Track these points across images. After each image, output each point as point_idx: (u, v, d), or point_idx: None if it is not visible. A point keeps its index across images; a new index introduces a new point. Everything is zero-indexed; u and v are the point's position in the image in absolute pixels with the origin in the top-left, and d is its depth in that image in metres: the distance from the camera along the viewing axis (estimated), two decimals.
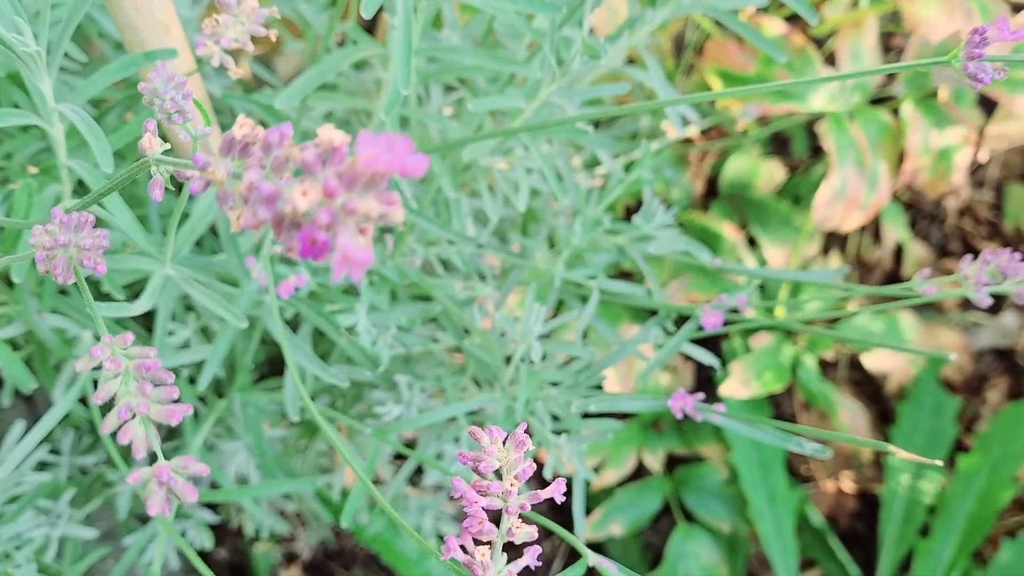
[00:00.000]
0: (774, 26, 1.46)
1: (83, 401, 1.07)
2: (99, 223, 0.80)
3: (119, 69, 0.81)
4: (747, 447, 1.55)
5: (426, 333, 1.14)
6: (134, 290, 0.91)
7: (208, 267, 0.92)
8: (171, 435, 1.21)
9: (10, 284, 0.94)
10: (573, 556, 1.64)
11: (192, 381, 1.10)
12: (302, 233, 0.36)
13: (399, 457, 1.46)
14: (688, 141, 1.66)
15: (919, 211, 1.85)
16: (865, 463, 1.70)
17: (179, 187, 0.83)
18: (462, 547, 0.56)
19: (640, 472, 1.61)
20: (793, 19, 1.60)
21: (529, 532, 0.57)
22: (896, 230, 1.73)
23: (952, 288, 0.88)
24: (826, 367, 1.73)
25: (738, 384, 1.50)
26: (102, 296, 0.92)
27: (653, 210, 1.10)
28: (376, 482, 1.39)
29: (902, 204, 1.79)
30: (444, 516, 1.37)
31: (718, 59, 1.48)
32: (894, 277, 1.79)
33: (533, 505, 0.58)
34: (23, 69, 0.74)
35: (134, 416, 0.52)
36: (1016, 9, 1.50)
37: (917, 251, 1.77)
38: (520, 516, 0.57)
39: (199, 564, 0.77)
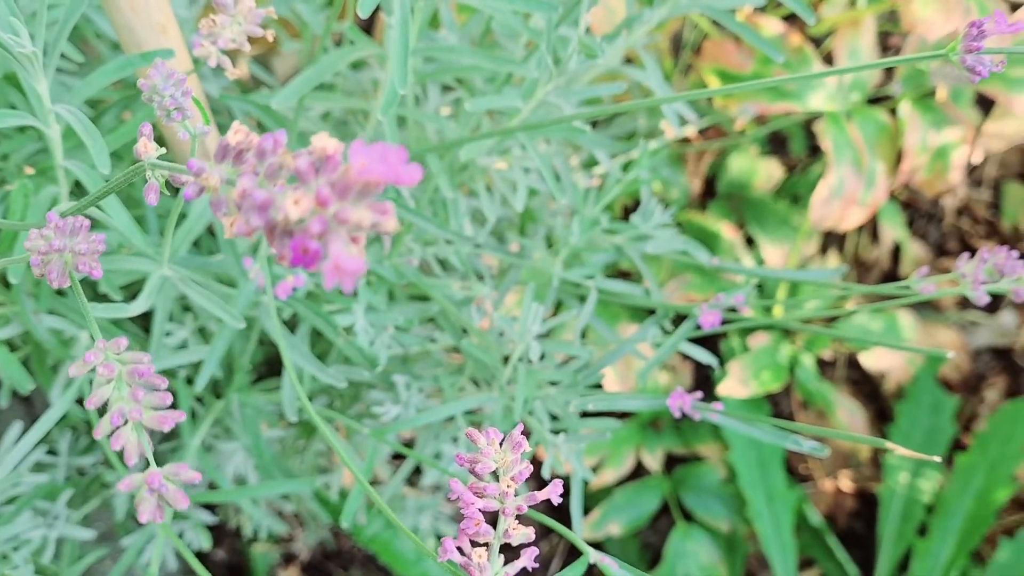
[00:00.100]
0: (772, 26, 1.46)
1: (80, 402, 1.07)
2: (96, 224, 0.80)
3: (116, 70, 0.81)
4: (745, 446, 1.55)
5: (424, 333, 1.14)
6: (131, 291, 0.91)
7: (205, 267, 0.92)
8: (169, 436, 1.21)
9: (7, 285, 0.94)
10: (571, 556, 1.64)
11: (190, 382, 1.10)
12: (294, 241, 0.36)
13: (397, 457, 1.46)
14: (686, 141, 1.66)
15: (917, 210, 1.86)
16: (863, 462, 1.70)
17: (176, 189, 0.83)
18: (459, 549, 0.56)
19: (639, 471, 1.61)
20: (791, 18, 1.60)
21: (526, 533, 0.56)
22: (894, 229, 1.73)
23: (950, 287, 0.88)
24: (824, 366, 1.73)
25: (736, 383, 1.50)
26: (99, 297, 0.92)
27: (651, 210, 1.10)
28: (374, 482, 1.39)
29: (900, 203, 1.79)
30: (442, 516, 1.37)
31: (716, 58, 1.48)
32: (892, 276, 1.79)
33: (531, 506, 0.58)
34: (19, 70, 0.74)
35: (126, 422, 0.52)
36: (1014, 8, 1.50)
37: (915, 250, 1.78)
38: (518, 516, 0.57)
39: (196, 565, 0.77)
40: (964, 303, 1.80)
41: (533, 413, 1.00)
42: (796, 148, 1.76)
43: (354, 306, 0.98)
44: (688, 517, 1.60)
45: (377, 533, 1.41)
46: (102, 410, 0.53)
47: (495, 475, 0.57)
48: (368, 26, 1.50)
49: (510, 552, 0.57)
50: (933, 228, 1.85)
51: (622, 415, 1.59)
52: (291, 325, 1.08)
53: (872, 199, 1.46)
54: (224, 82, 1.11)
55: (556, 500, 0.57)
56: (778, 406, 1.71)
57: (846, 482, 1.69)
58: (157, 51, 0.82)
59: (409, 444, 1.38)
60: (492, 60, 0.96)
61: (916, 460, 1.56)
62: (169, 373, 1.10)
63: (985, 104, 1.59)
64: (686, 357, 1.61)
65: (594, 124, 1.45)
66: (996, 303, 1.80)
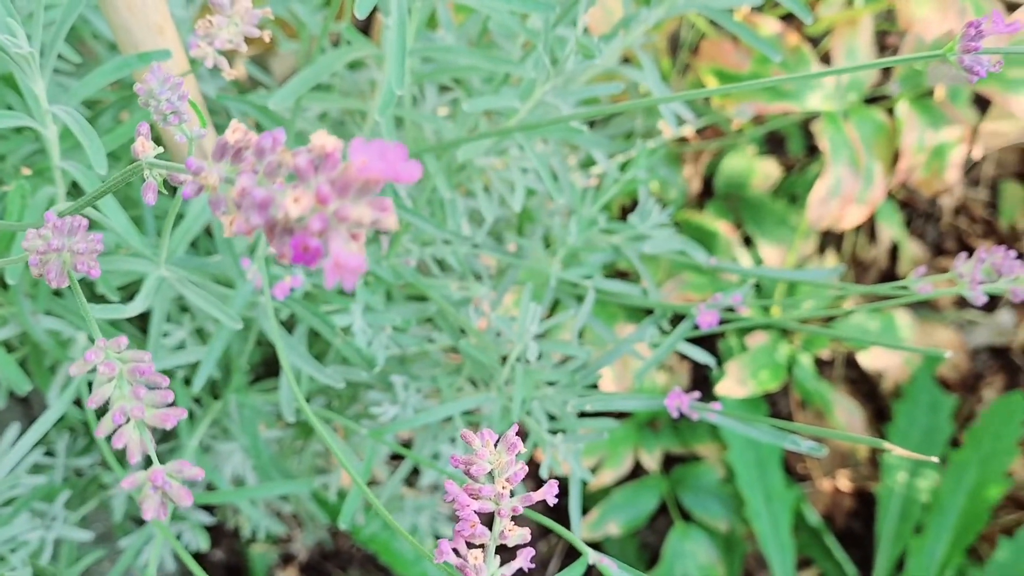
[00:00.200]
0: (769, 25, 1.46)
1: (78, 403, 1.07)
2: (93, 225, 0.79)
3: (113, 70, 0.81)
4: (743, 446, 1.55)
5: (422, 333, 1.14)
6: (129, 291, 0.91)
7: (203, 268, 0.92)
8: (167, 437, 1.20)
9: (4, 286, 0.94)
10: (570, 556, 1.64)
11: (187, 382, 1.10)
12: (294, 239, 0.36)
13: (395, 457, 1.46)
14: (684, 140, 1.66)
15: (914, 210, 1.86)
16: (861, 461, 1.70)
17: (173, 189, 0.83)
18: (455, 550, 0.56)
19: (637, 471, 1.61)
20: (788, 18, 1.60)
21: (522, 534, 0.56)
22: (891, 229, 1.73)
23: (947, 286, 0.88)
24: (822, 366, 1.73)
25: (734, 383, 1.50)
26: (97, 298, 0.92)
27: (648, 209, 1.10)
28: (372, 482, 1.39)
29: (897, 203, 1.79)
30: (440, 516, 1.37)
31: (713, 58, 1.48)
32: (890, 276, 1.79)
33: (529, 506, 0.58)
34: (16, 71, 0.74)
35: (128, 420, 0.52)
36: (1011, 8, 1.50)
37: (912, 249, 1.78)
38: (515, 517, 0.57)
39: (193, 566, 0.77)
40: (962, 302, 1.80)
41: (531, 413, 1.00)
42: (794, 148, 1.76)
43: (352, 306, 0.98)
44: (686, 517, 1.60)
45: (375, 533, 1.41)
46: (102, 410, 0.53)
47: (491, 476, 0.57)
48: (365, 27, 1.50)
49: (507, 553, 0.57)
50: (931, 227, 1.86)
51: (620, 415, 1.59)
52: (289, 326, 1.08)
53: (869, 198, 1.46)
54: (221, 82, 1.11)
55: (552, 501, 0.57)
56: (776, 406, 1.71)
57: (844, 481, 1.69)
58: (154, 52, 0.82)
59: (407, 444, 1.38)
60: (490, 60, 0.96)
61: (914, 459, 1.56)
62: (167, 374, 1.10)
63: (982, 104, 1.59)
64: (684, 357, 1.61)
65: (591, 124, 1.45)
66: (994, 302, 1.80)
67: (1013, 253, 0.83)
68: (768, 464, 1.55)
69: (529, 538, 0.57)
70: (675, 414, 0.88)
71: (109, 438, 0.84)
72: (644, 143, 1.13)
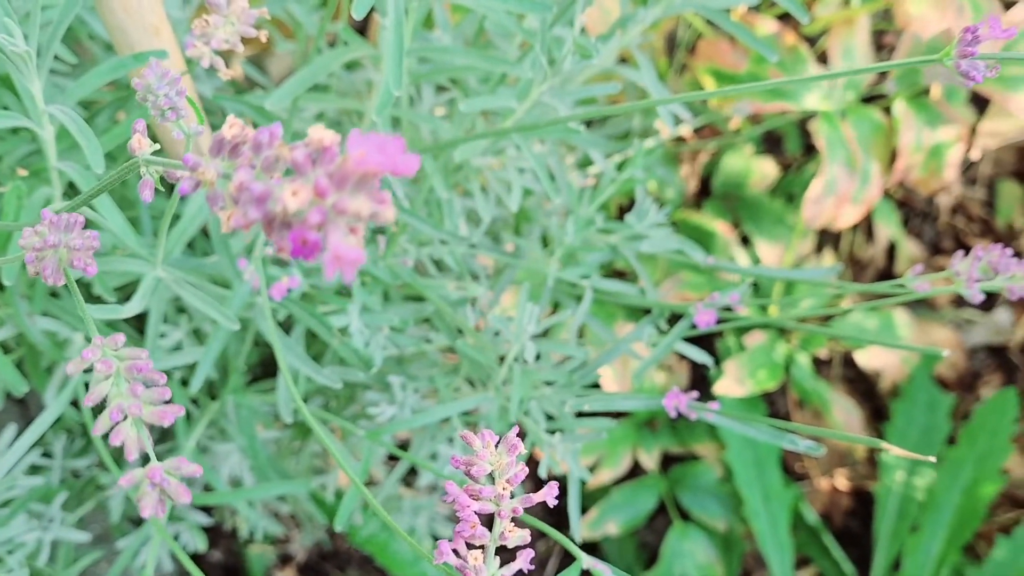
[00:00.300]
0: (766, 25, 1.46)
1: (75, 404, 1.07)
2: (90, 226, 0.79)
3: (109, 71, 0.81)
4: (742, 445, 1.55)
5: (419, 334, 1.14)
6: (125, 292, 0.91)
7: (200, 269, 0.92)
8: (164, 437, 1.20)
9: (1, 287, 0.94)
10: (568, 556, 1.64)
11: (184, 383, 1.10)
12: (293, 233, 0.36)
13: (393, 458, 1.46)
14: (681, 140, 1.66)
15: (912, 209, 1.86)
16: (859, 461, 1.70)
17: (170, 188, 0.83)
18: (455, 551, 0.56)
19: (635, 471, 1.61)
20: (785, 18, 1.60)
21: (522, 536, 0.56)
22: (889, 228, 1.73)
23: (944, 284, 0.88)
24: (820, 365, 1.73)
25: (732, 382, 1.50)
26: (93, 299, 0.92)
27: (646, 209, 1.10)
28: (370, 483, 1.39)
29: (895, 202, 1.79)
30: (438, 517, 1.37)
31: (710, 58, 1.48)
32: (887, 275, 1.79)
33: (527, 507, 0.58)
34: (13, 71, 0.74)
35: (126, 418, 0.52)
36: (1008, 6, 1.50)
37: (910, 249, 1.78)
38: (513, 519, 0.57)
39: (191, 567, 0.77)
40: (959, 301, 1.80)
41: (529, 413, 1.00)
42: (791, 147, 1.76)
43: (349, 307, 0.98)
44: (685, 516, 1.60)
45: (374, 534, 1.41)
46: (99, 410, 0.53)
47: (491, 477, 0.57)
48: (362, 27, 1.50)
49: (506, 554, 0.57)
50: (928, 226, 1.86)
51: (618, 415, 1.59)
52: (286, 326, 1.08)
53: (865, 197, 1.46)
54: (218, 83, 1.11)
55: (552, 502, 0.57)
56: (774, 405, 1.71)
57: (842, 481, 1.69)
58: (150, 52, 0.82)
59: (405, 445, 1.38)
60: (486, 60, 0.96)
61: (912, 458, 1.56)
62: (164, 374, 1.09)
63: (979, 102, 1.59)
64: (682, 357, 1.61)
65: (588, 124, 1.45)
66: (991, 301, 1.80)
67: (1010, 251, 0.83)
68: (766, 463, 1.55)
69: (529, 539, 0.57)
70: (673, 414, 0.88)
71: (106, 438, 0.84)
72: (641, 143, 1.13)
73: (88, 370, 0.54)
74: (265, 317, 0.89)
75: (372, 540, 1.41)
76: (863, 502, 1.69)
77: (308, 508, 1.36)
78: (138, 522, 1.22)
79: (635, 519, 1.57)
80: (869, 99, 1.55)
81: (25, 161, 0.94)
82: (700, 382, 1.64)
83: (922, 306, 1.78)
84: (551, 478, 0.59)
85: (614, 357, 1.00)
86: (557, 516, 1.55)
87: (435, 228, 0.98)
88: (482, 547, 0.56)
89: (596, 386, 1.05)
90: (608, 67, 1.10)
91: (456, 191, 1.15)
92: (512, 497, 0.57)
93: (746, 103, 1.47)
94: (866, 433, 1.64)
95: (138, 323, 1.06)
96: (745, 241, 1.64)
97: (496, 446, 0.57)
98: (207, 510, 1.20)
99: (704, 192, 1.73)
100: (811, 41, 1.60)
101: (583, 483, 1.36)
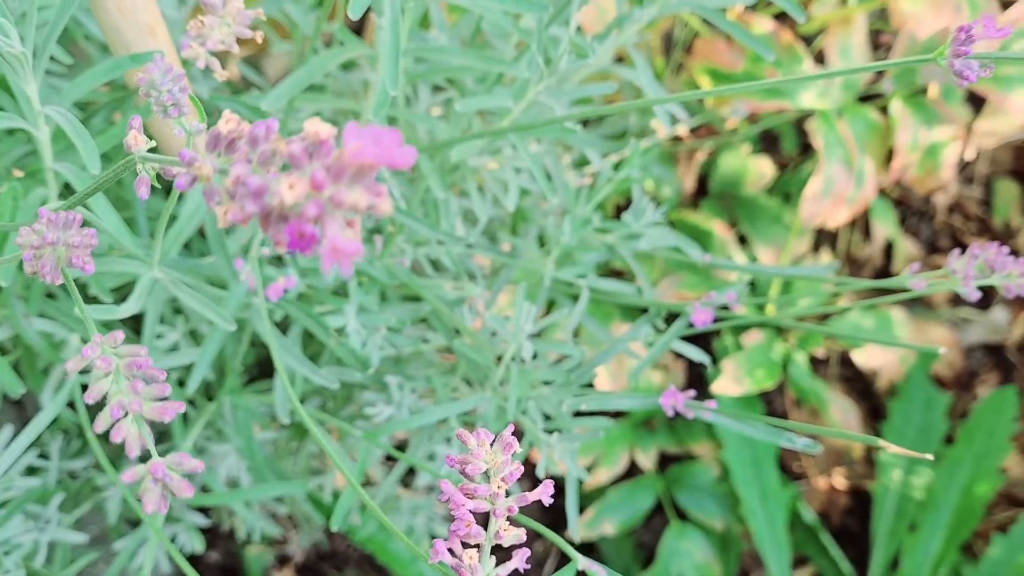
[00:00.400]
0: (762, 24, 1.46)
1: (71, 405, 1.07)
2: (86, 226, 0.79)
3: (104, 72, 0.81)
4: (739, 444, 1.55)
5: (416, 334, 1.14)
6: (122, 293, 0.91)
7: (196, 269, 0.91)
8: (161, 438, 1.20)
9: None
10: (566, 556, 1.64)
11: (181, 384, 1.10)
12: (290, 226, 0.36)
13: (391, 458, 1.46)
14: (678, 139, 1.66)
15: (909, 208, 1.86)
16: (857, 460, 1.70)
17: (167, 189, 0.83)
18: (450, 550, 0.56)
19: (632, 471, 1.61)
20: (781, 17, 1.60)
21: (517, 534, 0.56)
22: (886, 227, 1.73)
23: (941, 282, 0.88)
24: (817, 364, 1.73)
25: (730, 381, 1.50)
26: (89, 300, 0.92)
27: (642, 208, 1.10)
28: (368, 484, 1.39)
29: (892, 201, 1.80)
30: (437, 517, 1.37)
31: (707, 57, 1.48)
32: (884, 274, 1.79)
33: (524, 506, 0.58)
34: (8, 72, 0.74)
35: (126, 414, 0.52)
36: (1005, 6, 1.50)
37: (907, 247, 1.78)
38: (510, 518, 0.57)
39: (187, 568, 0.77)
40: (956, 300, 1.80)
41: (526, 413, 1.00)
42: (788, 146, 1.76)
43: (346, 307, 0.98)
44: (682, 516, 1.60)
45: (372, 534, 1.41)
46: (98, 407, 0.53)
47: (486, 476, 0.57)
48: (358, 27, 1.50)
49: (502, 553, 0.57)
50: (925, 225, 1.86)
51: (615, 414, 1.59)
52: (283, 327, 1.08)
53: (861, 196, 1.46)
54: (214, 83, 1.11)
55: (547, 501, 0.57)
56: (771, 404, 1.71)
57: (840, 480, 1.69)
58: (145, 53, 0.82)
59: (402, 445, 1.38)
60: (483, 60, 0.96)
61: (909, 457, 1.56)
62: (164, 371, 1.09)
63: (976, 102, 1.59)
64: (679, 356, 1.61)
65: (585, 123, 1.45)
66: (988, 300, 1.81)
67: (1006, 250, 0.83)
68: (764, 463, 1.55)
69: (525, 538, 0.57)
70: (670, 412, 0.88)
71: (105, 437, 0.84)
72: (638, 142, 1.13)
73: (85, 371, 0.54)
74: (261, 317, 0.89)
75: (371, 540, 1.41)
76: (861, 501, 1.69)
77: (306, 509, 1.35)
78: (135, 523, 1.22)
79: (632, 519, 1.57)
80: (866, 98, 1.55)
81: (21, 162, 0.93)
82: (697, 381, 1.64)
83: (919, 305, 1.78)
84: (548, 478, 0.59)
85: (611, 356, 1.00)
86: (554, 516, 1.55)
87: (432, 228, 0.98)
88: (477, 546, 0.56)
89: (593, 385, 1.05)
90: (604, 67, 1.10)
91: (453, 191, 1.15)
92: (508, 496, 0.57)
93: (743, 102, 1.47)
94: (863, 432, 1.64)
95: (134, 324, 1.06)
96: (742, 241, 1.64)
97: (491, 445, 0.57)
98: (204, 511, 1.20)
99: (701, 192, 1.73)
100: (808, 40, 1.61)
101: (580, 483, 1.36)
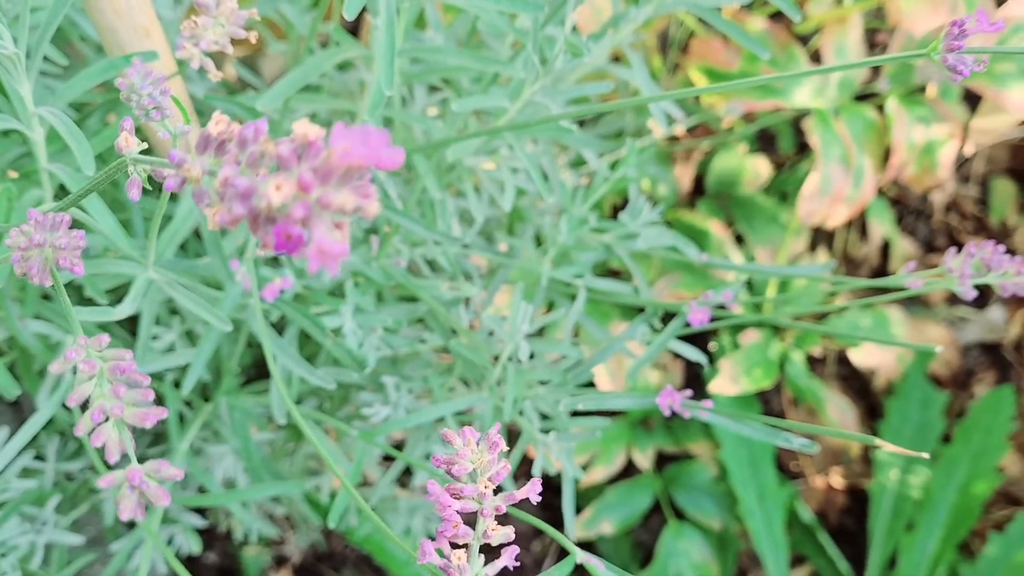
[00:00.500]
0: (758, 24, 1.46)
1: (67, 407, 1.07)
2: (81, 227, 0.79)
3: (99, 72, 0.81)
4: (736, 444, 1.55)
5: (413, 334, 1.14)
6: (117, 294, 0.91)
7: (192, 270, 0.91)
8: (157, 440, 1.20)
9: None
10: (564, 555, 1.64)
11: (177, 385, 1.10)
12: (277, 227, 0.36)
13: (389, 458, 1.46)
14: (674, 139, 1.66)
15: (905, 207, 1.86)
16: (854, 459, 1.70)
17: (161, 189, 0.83)
18: (439, 551, 0.56)
19: (630, 470, 1.61)
20: (777, 16, 1.60)
21: (506, 533, 0.56)
22: (882, 226, 1.73)
23: (937, 281, 0.88)
24: (814, 363, 1.73)
25: (727, 381, 1.50)
26: (85, 301, 0.92)
27: (639, 207, 1.10)
28: (365, 484, 1.39)
29: (888, 200, 1.80)
30: (435, 517, 1.37)
31: (703, 56, 1.48)
32: (881, 273, 1.80)
33: (521, 505, 0.57)
34: (2, 73, 0.73)
35: (107, 419, 0.51)
36: (1000, 3, 1.50)
37: (904, 247, 1.78)
38: (507, 515, 0.57)
39: (181, 571, 0.77)
40: (953, 299, 1.80)
41: (523, 413, 1.00)
42: (784, 145, 1.76)
43: (342, 308, 0.98)
44: (680, 515, 1.60)
45: (370, 534, 1.40)
46: (85, 406, 0.53)
47: (474, 476, 0.57)
48: (354, 27, 1.50)
49: (494, 553, 0.57)
50: (922, 224, 1.86)
51: (613, 414, 1.59)
52: (279, 327, 1.08)
53: (859, 196, 1.46)
54: (210, 84, 1.11)
55: (536, 499, 0.57)
56: (769, 404, 1.71)
57: (837, 479, 1.69)
58: (140, 53, 0.82)
59: (399, 445, 1.37)
60: (479, 60, 0.95)
61: (906, 456, 1.56)
62: (156, 377, 1.09)
63: (973, 100, 1.59)
64: (677, 355, 1.61)
65: (581, 123, 1.45)
66: (984, 298, 1.81)
67: (1002, 248, 0.83)
68: (761, 462, 1.55)
69: (513, 537, 0.56)
70: (667, 412, 0.88)
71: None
72: (634, 142, 1.13)
73: (74, 370, 0.53)
74: (257, 318, 0.89)
75: (369, 540, 1.41)
76: (858, 500, 1.69)
77: (303, 509, 1.35)
78: (132, 525, 1.22)
79: (630, 518, 1.57)
80: (862, 97, 1.55)
81: (16, 163, 0.93)
82: (694, 381, 1.64)
83: (916, 304, 1.78)
84: (546, 478, 0.59)
85: (608, 356, 1.00)
86: (551, 516, 1.55)
87: (428, 229, 0.98)
88: (466, 546, 0.56)
89: (590, 385, 1.05)
90: (600, 66, 1.10)
91: (449, 191, 1.15)
92: (496, 494, 0.57)
93: (739, 102, 1.47)
94: (860, 431, 1.64)
95: (130, 325, 1.06)
96: (739, 240, 1.64)
97: (477, 444, 0.57)
98: (201, 512, 1.20)
99: (698, 191, 1.73)
100: (804, 40, 1.60)
101: (577, 482, 1.35)
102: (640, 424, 1.63)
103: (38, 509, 1.04)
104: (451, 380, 1.08)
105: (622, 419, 1.60)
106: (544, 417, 1.04)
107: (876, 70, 1.57)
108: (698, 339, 1.57)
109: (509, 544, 0.57)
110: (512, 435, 1.14)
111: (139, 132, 1.00)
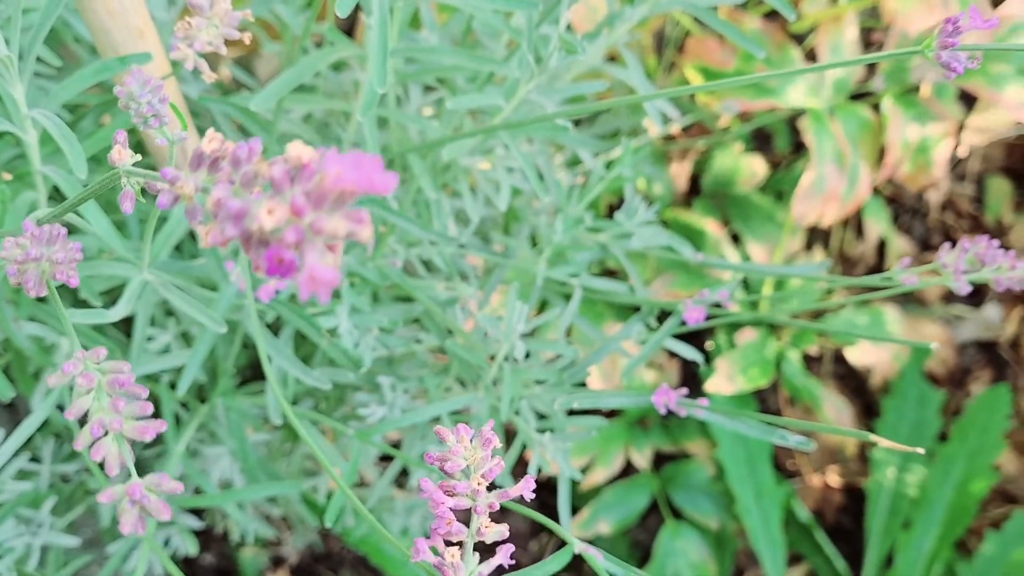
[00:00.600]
0: (753, 23, 1.46)
1: (62, 408, 1.06)
2: (75, 229, 0.79)
3: (93, 74, 0.81)
4: (733, 443, 1.55)
5: (408, 334, 1.14)
6: (112, 296, 0.90)
7: (187, 272, 0.91)
8: (153, 441, 1.20)
9: None
10: None
11: (173, 387, 1.09)
12: (269, 251, 0.36)
13: (385, 459, 1.45)
14: (670, 138, 1.66)
15: (901, 205, 1.86)
16: (850, 457, 1.70)
17: (154, 195, 0.83)
18: (433, 549, 0.56)
19: (627, 470, 1.61)
20: (772, 16, 1.60)
21: (499, 531, 0.56)
22: (878, 224, 1.73)
23: (932, 277, 0.88)
24: (810, 362, 1.74)
25: (723, 380, 1.50)
26: (79, 303, 0.91)
27: (635, 207, 1.10)
28: (362, 484, 1.38)
29: (884, 198, 1.80)
30: (431, 517, 1.37)
31: (698, 56, 1.48)
32: (877, 271, 1.79)
33: (521, 504, 0.57)
34: None
35: (107, 433, 0.51)
36: (995, 3, 1.50)
37: (900, 245, 1.78)
38: (505, 514, 0.56)
39: (178, 574, 0.77)
40: (949, 297, 1.80)
41: (519, 412, 1.00)
42: (780, 145, 1.76)
43: (338, 308, 0.98)
44: (677, 515, 1.60)
45: (367, 534, 1.40)
46: (84, 419, 0.53)
47: (467, 473, 0.57)
48: (349, 27, 1.50)
49: (491, 552, 0.57)
50: (918, 223, 1.86)
51: (610, 413, 1.59)
52: (275, 328, 1.07)
53: (855, 194, 1.46)
54: (204, 84, 1.10)
55: (529, 495, 0.57)
56: (765, 402, 1.71)
57: (834, 477, 1.70)
58: (134, 55, 0.82)
59: (396, 445, 1.37)
60: (473, 59, 0.95)
61: (903, 454, 1.57)
62: (152, 378, 1.09)
63: (968, 99, 1.59)
64: (673, 355, 1.61)
65: (577, 122, 1.45)
66: (981, 297, 1.81)
67: (996, 243, 0.83)
68: (758, 461, 1.55)
69: (508, 534, 0.56)
70: (663, 411, 0.88)
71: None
72: (630, 141, 1.13)
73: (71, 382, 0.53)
74: (252, 319, 0.88)
75: (366, 541, 1.41)
76: (855, 499, 1.69)
77: (299, 510, 1.35)
78: None
79: (627, 518, 1.57)
80: (857, 96, 1.55)
81: (9, 165, 0.93)
82: (691, 380, 1.64)
83: (912, 302, 1.78)
84: (544, 479, 0.59)
85: (604, 355, 1.00)
86: (550, 516, 1.54)
87: (424, 229, 0.98)
88: (460, 544, 0.56)
89: (586, 385, 1.05)
90: (596, 65, 1.10)
91: (445, 191, 1.15)
92: (490, 491, 0.56)
93: (735, 101, 1.47)
94: (857, 429, 1.64)
95: (125, 327, 1.05)
96: (735, 239, 1.64)
97: (471, 441, 0.57)
98: (198, 513, 1.20)
99: (694, 190, 1.73)
100: (799, 39, 1.61)
101: (575, 483, 1.35)
102: (637, 424, 1.63)
103: (34, 511, 1.04)
104: (447, 380, 1.08)
105: (619, 419, 1.60)
106: (541, 417, 1.04)
107: (871, 70, 1.57)
108: (694, 338, 1.57)
109: (504, 542, 0.56)
110: (509, 435, 1.14)
111: (135, 136, 1.00)
